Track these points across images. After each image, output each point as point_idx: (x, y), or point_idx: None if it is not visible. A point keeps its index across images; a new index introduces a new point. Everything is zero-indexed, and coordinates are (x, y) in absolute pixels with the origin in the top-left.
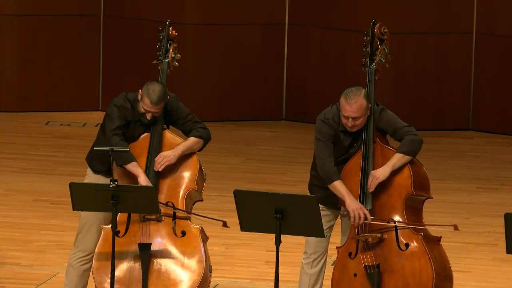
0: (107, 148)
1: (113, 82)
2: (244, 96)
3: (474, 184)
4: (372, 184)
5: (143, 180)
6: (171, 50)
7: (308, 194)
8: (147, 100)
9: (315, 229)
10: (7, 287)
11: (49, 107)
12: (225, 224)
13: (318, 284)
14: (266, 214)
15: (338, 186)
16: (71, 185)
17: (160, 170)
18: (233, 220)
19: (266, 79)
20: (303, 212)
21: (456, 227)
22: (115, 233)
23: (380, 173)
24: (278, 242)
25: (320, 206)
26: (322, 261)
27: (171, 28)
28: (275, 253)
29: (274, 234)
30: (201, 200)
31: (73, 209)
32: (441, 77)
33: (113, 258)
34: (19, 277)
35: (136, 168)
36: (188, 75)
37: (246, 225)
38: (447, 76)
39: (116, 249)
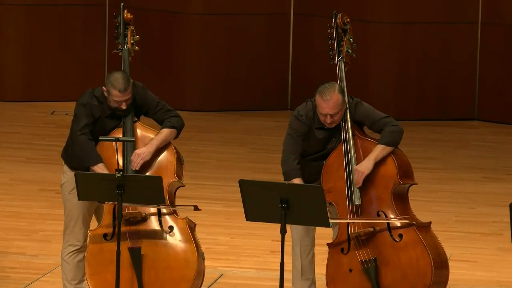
0: (113, 138)
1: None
2: (249, 86)
3: (479, 174)
4: (359, 179)
5: None
6: (129, 35)
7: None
8: (115, 91)
9: (320, 219)
10: (13, 277)
11: (55, 96)
12: (196, 208)
13: (311, 275)
14: (271, 204)
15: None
16: (77, 175)
17: (137, 168)
18: (239, 209)
19: (271, 69)
20: (308, 201)
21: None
22: (120, 222)
23: (364, 167)
24: (283, 231)
25: None
26: (311, 254)
27: (125, 11)
28: (280, 242)
29: (279, 224)
30: (183, 186)
31: (79, 199)
32: (446, 67)
33: (118, 247)
34: (24, 267)
35: (103, 171)
36: (193, 65)
37: (251, 215)
38: (452, 66)
39: (107, 254)
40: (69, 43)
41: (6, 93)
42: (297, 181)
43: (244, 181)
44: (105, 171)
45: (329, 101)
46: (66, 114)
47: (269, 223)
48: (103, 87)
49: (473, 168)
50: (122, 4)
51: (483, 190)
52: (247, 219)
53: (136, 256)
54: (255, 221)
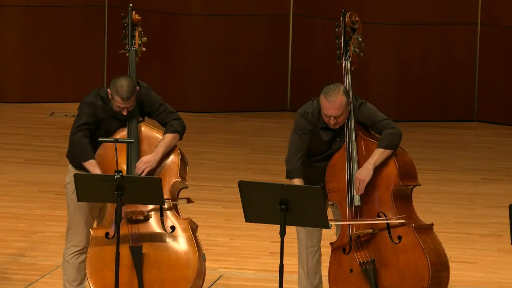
0: (112, 139)
1: (117, 73)
2: (249, 87)
3: (478, 175)
4: (360, 188)
5: None
6: (136, 36)
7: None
8: (118, 98)
9: (319, 220)
10: (12, 278)
11: (54, 98)
12: (189, 201)
13: (317, 275)
14: (270, 205)
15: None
16: (76, 176)
17: (142, 175)
18: (238, 211)
19: (271, 70)
20: (308, 203)
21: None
22: (119, 223)
23: (365, 174)
24: (282, 233)
25: None
26: (317, 254)
27: (134, 13)
28: (279, 244)
29: (279, 225)
30: (186, 187)
31: (78, 200)
32: (446, 68)
33: (118, 248)
34: (23, 268)
35: (94, 168)
36: (193, 66)
37: (251, 216)
38: (451, 67)
39: (108, 253)
40: (68, 45)
41: (5, 94)
42: (297, 181)
43: (243, 182)
44: (96, 168)
45: (334, 103)
46: (65, 115)
47: (269, 224)
48: (108, 89)
49: (472, 169)
50: (130, 5)
51: (483, 191)
52: (246, 221)
53: (137, 255)
54: (254, 222)
